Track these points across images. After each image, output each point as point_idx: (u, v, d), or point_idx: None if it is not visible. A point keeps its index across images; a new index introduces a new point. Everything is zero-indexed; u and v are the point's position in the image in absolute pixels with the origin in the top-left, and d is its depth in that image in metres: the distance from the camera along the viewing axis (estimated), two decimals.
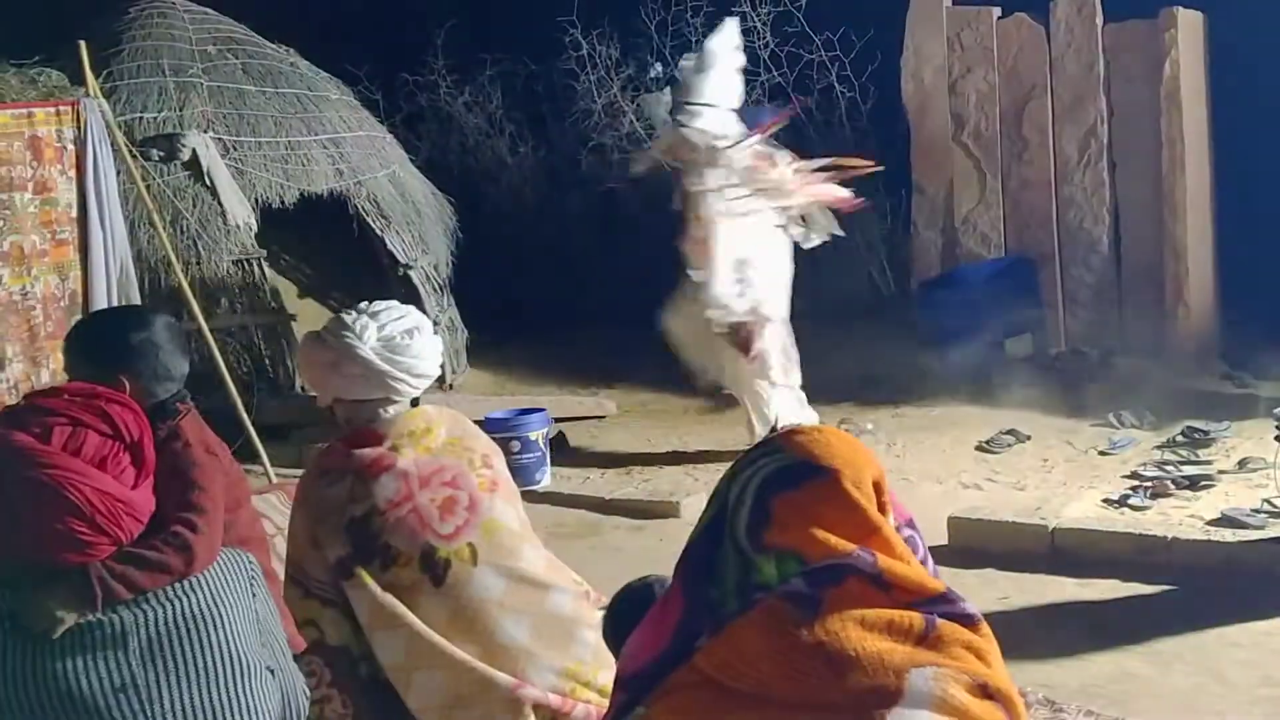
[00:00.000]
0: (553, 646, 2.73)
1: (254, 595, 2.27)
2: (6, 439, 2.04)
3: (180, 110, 8.41)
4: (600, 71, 10.39)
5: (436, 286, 9.22)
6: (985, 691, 1.49)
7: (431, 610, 2.66)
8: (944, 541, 5.31)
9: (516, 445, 6.53)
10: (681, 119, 5.84)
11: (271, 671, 2.21)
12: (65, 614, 2.01)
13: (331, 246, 9.07)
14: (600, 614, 2.70)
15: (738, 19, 6.22)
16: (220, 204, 8.04)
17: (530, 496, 5.14)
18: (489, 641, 2.68)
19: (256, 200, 8.30)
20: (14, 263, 5.30)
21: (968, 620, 1.56)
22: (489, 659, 2.65)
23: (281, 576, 2.89)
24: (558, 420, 7.48)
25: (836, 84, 9.60)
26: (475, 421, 3.13)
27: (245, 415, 5.95)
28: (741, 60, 6.05)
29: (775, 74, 9.51)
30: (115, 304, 5.52)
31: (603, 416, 8.18)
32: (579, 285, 10.25)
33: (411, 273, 8.96)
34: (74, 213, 5.60)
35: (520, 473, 6.14)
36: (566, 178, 11.01)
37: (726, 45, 6.01)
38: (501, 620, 2.69)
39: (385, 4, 11.52)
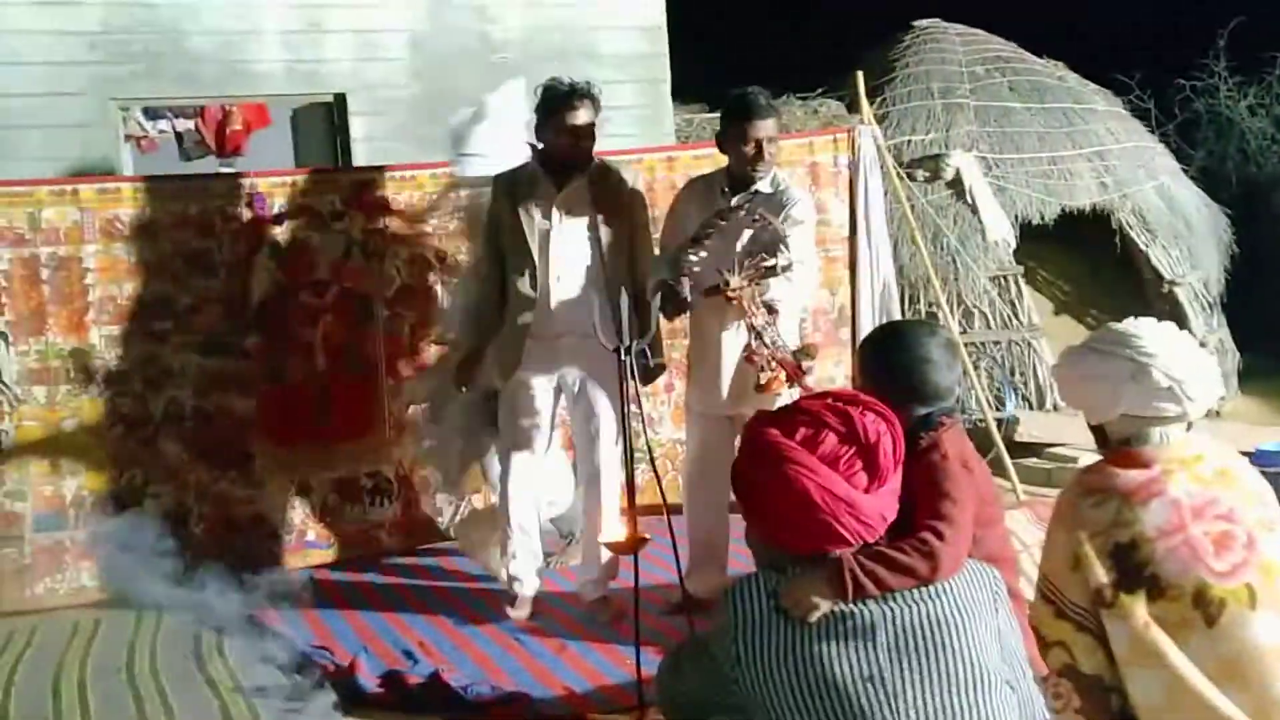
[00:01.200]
0: None
1: (996, 610, 2.26)
2: (761, 433, 2.27)
3: (947, 131, 8.66)
4: None
5: (1205, 304, 8.57)
6: None
7: (1198, 652, 2.44)
8: None
9: None
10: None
11: (1011, 687, 2.19)
12: (820, 600, 2.15)
13: (1091, 262, 8.81)
14: None
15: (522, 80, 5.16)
16: (980, 221, 8.16)
17: None
18: (1262, 695, 2.40)
19: (1016, 216, 8.31)
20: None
21: None
22: (1260, 714, 2.38)
23: (1027, 595, 2.84)
24: None
25: None
26: (1243, 453, 2.84)
27: (995, 431, 5.97)
28: (523, 120, 4.94)
29: None
30: (878, 318, 5.82)
31: None
32: None
33: (1177, 289, 8.41)
34: (845, 232, 6.00)
35: None
36: None
37: (506, 103, 5.11)
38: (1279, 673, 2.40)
39: (1162, 8, 10.95)
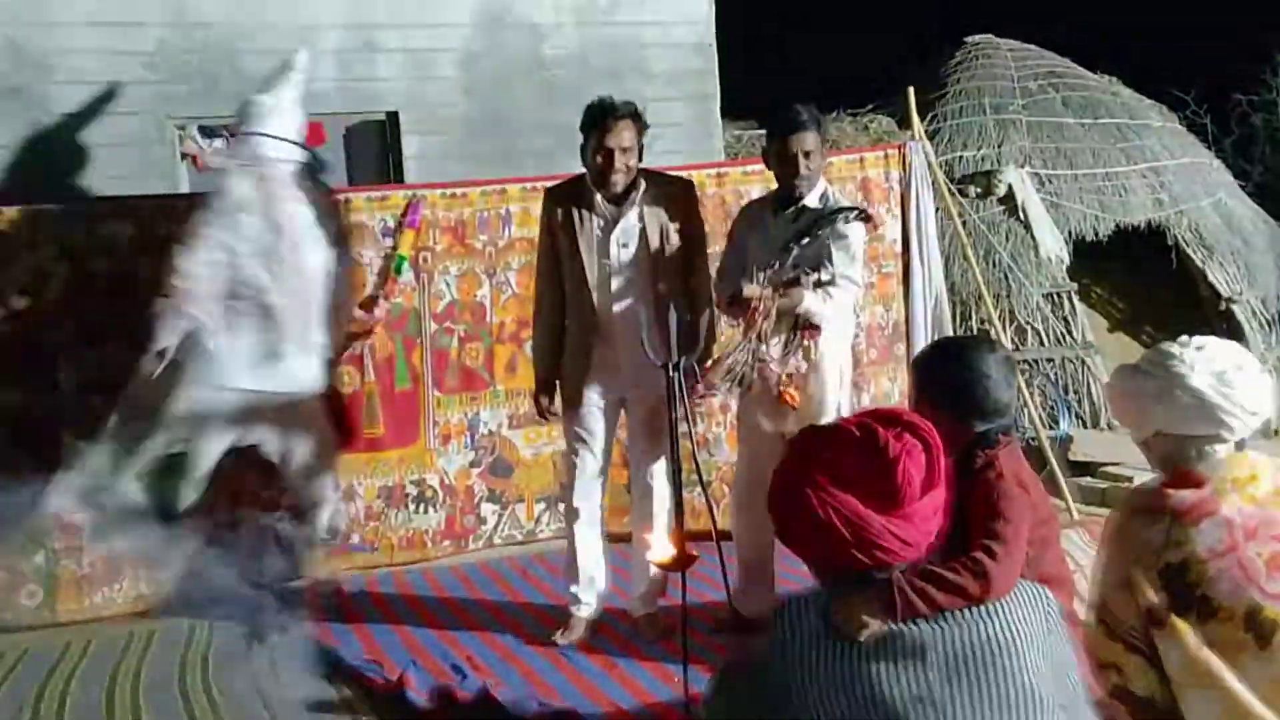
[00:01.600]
0: None
1: (1049, 631, 2.23)
2: (789, 449, 2.25)
3: (999, 147, 8.60)
4: None
5: (1264, 322, 8.43)
6: None
7: (1251, 674, 2.40)
8: None
9: None
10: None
11: (1064, 709, 2.15)
12: (870, 619, 2.13)
13: (1147, 279, 8.70)
14: None
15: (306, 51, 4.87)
16: (1033, 237, 8.09)
17: None
18: None
19: (1070, 233, 8.23)
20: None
21: None
22: None
23: (1082, 617, 2.81)
24: None
25: None
26: None
27: (1049, 450, 5.90)
28: (298, 91, 4.73)
29: None
30: (929, 334, 5.78)
31: None
32: None
33: (1235, 307, 8.29)
34: (898, 248, 5.98)
35: None
36: None
37: (292, 74, 4.78)
38: None
39: (1215, 23, 10.82)
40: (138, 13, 6.57)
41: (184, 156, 6.77)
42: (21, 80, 6.38)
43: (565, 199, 4.44)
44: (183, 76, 6.66)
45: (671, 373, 3.70)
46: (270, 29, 6.79)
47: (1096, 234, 8.28)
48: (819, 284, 4.07)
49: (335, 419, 5.30)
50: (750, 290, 4.04)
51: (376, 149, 7.16)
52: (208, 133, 6.86)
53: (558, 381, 4.53)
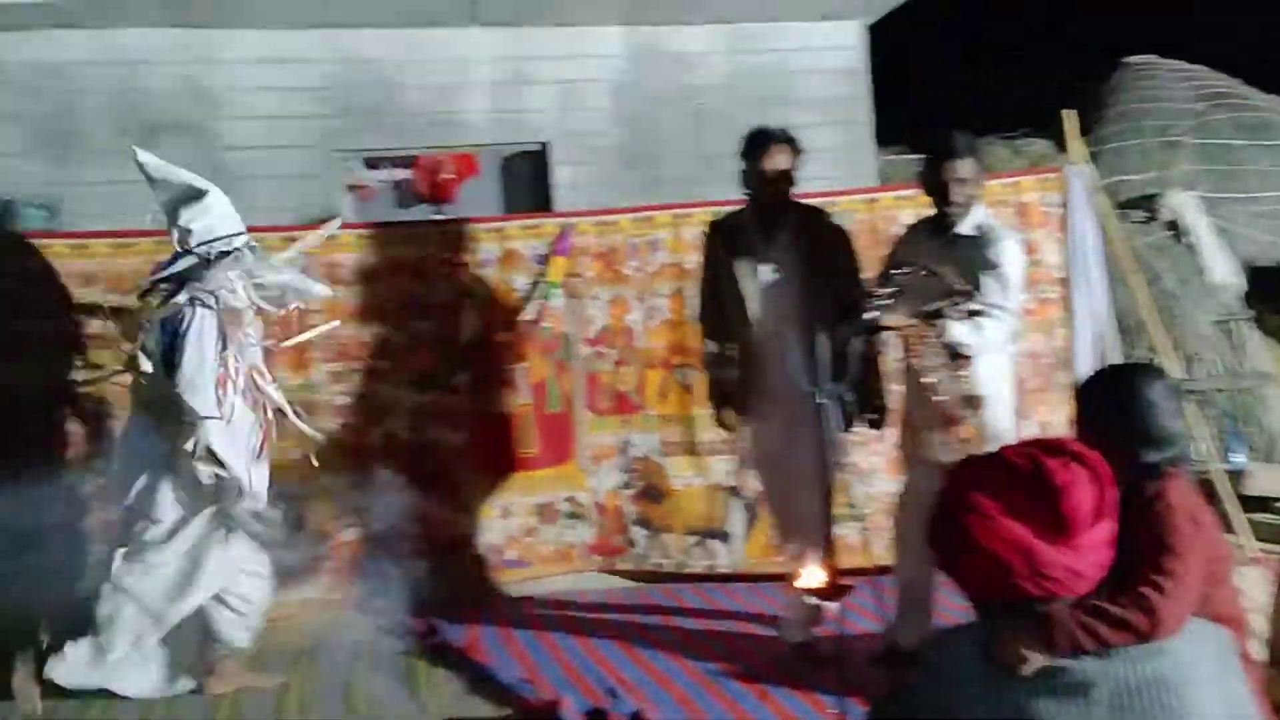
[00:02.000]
0: None
1: (1224, 672, 2.13)
2: (949, 478, 2.19)
3: (1162, 170, 8.32)
4: None
5: None
6: None
7: None
8: None
9: None
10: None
11: None
12: (1031, 653, 2.07)
13: None
14: None
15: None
16: (1202, 263, 7.79)
17: None
18: None
19: (1242, 259, 7.90)
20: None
21: None
22: None
23: (1257, 658, 2.68)
24: None
25: None
26: None
27: (1220, 483, 5.66)
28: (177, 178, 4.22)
29: None
30: (1094, 362, 5.60)
31: None
32: None
33: None
34: (1059, 274, 5.81)
35: None
36: None
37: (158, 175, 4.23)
38: None
39: None
40: (303, 50, 6.85)
41: (349, 188, 7.02)
42: (195, 116, 6.70)
43: (725, 229, 4.60)
44: (346, 110, 6.91)
45: (819, 399, 3.66)
46: (428, 64, 7.00)
47: (1273, 260, 7.93)
48: (972, 314, 4.00)
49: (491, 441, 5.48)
50: (892, 320, 4.01)
51: (529, 178, 7.30)
52: (370, 164, 7.10)
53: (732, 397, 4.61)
